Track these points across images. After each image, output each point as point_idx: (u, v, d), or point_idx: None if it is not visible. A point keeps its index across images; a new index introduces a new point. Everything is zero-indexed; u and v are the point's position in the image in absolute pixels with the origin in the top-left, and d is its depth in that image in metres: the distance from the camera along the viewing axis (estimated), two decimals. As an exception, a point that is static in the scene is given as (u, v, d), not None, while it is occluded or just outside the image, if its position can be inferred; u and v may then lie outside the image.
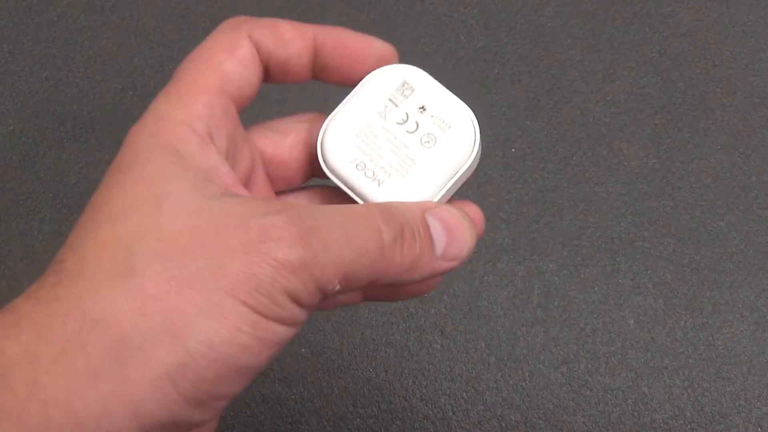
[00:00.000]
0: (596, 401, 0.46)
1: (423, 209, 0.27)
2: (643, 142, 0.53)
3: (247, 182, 0.29)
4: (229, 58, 0.27)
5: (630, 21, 0.57)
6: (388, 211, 0.26)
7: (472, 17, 0.58)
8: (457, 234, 0.27)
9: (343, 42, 0.29)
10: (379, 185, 0.28)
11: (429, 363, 0.47)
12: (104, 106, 0.55)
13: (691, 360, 0.46)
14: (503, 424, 0.45)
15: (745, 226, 0.50)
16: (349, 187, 0.28)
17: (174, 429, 0.22)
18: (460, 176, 0.29)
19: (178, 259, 0.23)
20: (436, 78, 0.30)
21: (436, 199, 0.28)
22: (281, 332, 0.23)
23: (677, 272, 0.49)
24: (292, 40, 0.28)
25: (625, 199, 0.51)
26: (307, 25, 0.29)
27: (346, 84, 0.30)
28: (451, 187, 0.28)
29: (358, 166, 0.28)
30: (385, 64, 0.29)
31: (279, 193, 0.31)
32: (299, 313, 0.24)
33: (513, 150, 0.52)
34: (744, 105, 0.54)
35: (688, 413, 0.45)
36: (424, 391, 0.46)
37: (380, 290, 0.31)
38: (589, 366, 0.46)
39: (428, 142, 0.29)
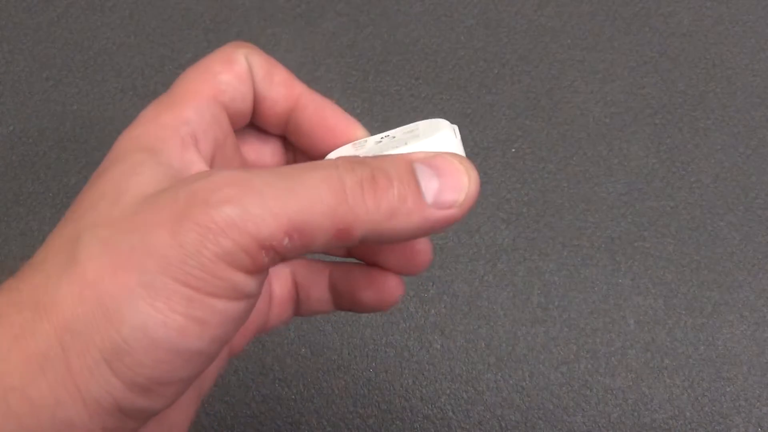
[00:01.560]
0: (596, 401, 0.46)
1: (410, 158, 0.24)
2: (643, 142, 0.53)
3: None
4: (225, 70, 0.27)
5: (630, 21, 0.57)
6: (358, 160, 0.24)
7: (472, 17, 0.58)
8: (451, 177, 0.24)
9: (323, 112, 0.28)
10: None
11: (429, 363, 0.47)
12: (104, 106, 0.55)
13: (691, 360, 0.46)
14: (503, 424, 0.45)
15: (745, 226, 0.50)
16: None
17: (125, 416, 0.22)
18: (458, 146, 0.28)
19: (116, 242, 0.22)
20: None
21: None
22: (224, 308, 0.22)
23: (677, 272, 0.49)
24: (279, 83, 0.28)
25: (625, 199, 0.51)
26: (299, 82, 0.28)
27: (310, 155, 0.29)
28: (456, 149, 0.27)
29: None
30: (353, 139, 0.29)
31: None
32: (244, 282, 0.22)
33: (513, 150, 0.52)
34: (744, 105, 0.54)
35: (688, 413, 0.45)
36: (424, 391, 0.46)
37: (346, 299, 0.30)
38: (589, 366, 0.46)
39: (412, 139, 0.27)
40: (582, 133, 0.53)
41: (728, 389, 0.46)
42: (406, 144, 0.26)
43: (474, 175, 0.25)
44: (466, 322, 0.47)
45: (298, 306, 0.31)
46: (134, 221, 0.22)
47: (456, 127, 0.27)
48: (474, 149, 0.52)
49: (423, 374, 0.46)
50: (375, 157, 0.24)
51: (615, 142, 0.53)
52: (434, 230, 0.24)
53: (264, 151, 0.30)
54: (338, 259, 0.30)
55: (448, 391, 0.46)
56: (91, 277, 0.22)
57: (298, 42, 0.57)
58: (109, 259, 0.22)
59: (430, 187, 0.24)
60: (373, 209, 0.23)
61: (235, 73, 0.27)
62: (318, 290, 0.30)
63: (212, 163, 0.27)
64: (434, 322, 0.47)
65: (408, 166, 0.24)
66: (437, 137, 0.26)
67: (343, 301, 0.30)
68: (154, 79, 0.56)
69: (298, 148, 0.29)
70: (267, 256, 0.22)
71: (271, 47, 0.57)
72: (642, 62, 0.56)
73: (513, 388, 0.46)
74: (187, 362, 0.22)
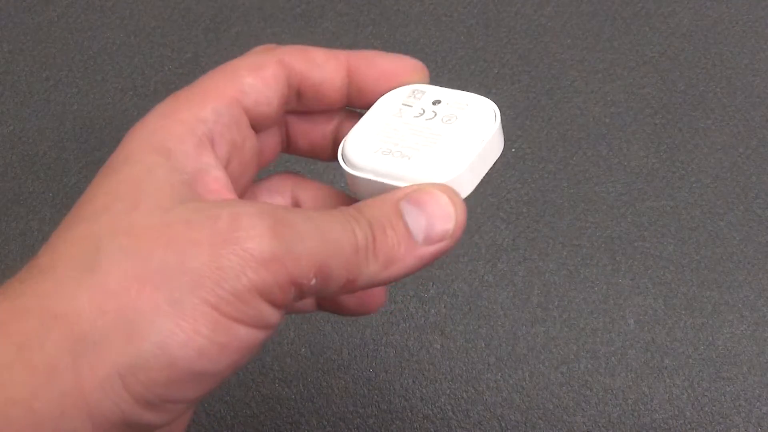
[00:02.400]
0: (596, 401, 0.46)
1: (396, 199, 0.25)
2: (643, 142, 0.53)
3: (244, 195, 0.29)
4: (250, 74, 0.27)
5: (630, 21, 0.57)
6: (357, 209, 0.25)
7: (472, 17, 0.58)
8: (436, 212, 0.25)
9: (375, 62, 0.29)
10: (409, 160, 0.27)
11: (429, 363, 0.47)
12: (104, 106, 0.55)
13: (691, 360, 0.46)
14: (503, 424, 0.45)
15: (745, 226, 0.50)
16: (379, 176, 0.27)
17: (129, 429, 0.22)
18: (486, 146, 0.28)
19: (144, 254, 0.22)
20: (436, 81, 0.30)
21: (465, 167, 0.27)
22: (246, 336, 0.22)
23: (677, 272, 0.49)
24: (324, 62, 0.28)
25: (625, 199, 0.51)
26: (338, 51, 0.28)
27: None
28: (480, 154, 0.27)
29: (384, 153, 0.27)
30: (418, 81, 0.29)
31: None
32: (270, 314, 0.22)
33: (513, 150, 0.53)
34: (744, 105, 0.54)
35: (688, 413, 0.45)
36: (424, 391, 0.46)
37: (328, 301, 0.30)
38: (589, 366, 0.46)
39: (449, 120, 0.28)
40: (582, 132, 0.53)
41: (728, 389, 0.46)
42: (440, 135, 0.27)
43: (459, 202, 0.25)
44: (466, 322, 0.47)
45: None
46: (165, 234, 0.22)
47: (498, 114, 0.28)
48: (474, 149, 0.52)
49: (423, 374, 0.46)
50: (370, 203, 0.25)
51: (615, 142, 0.53)
52: (429, 264, 0.25)
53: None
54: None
55: (448, 391, 0.46)
56: (113, 289, 0.21)
57: (298, 42, 0.57)
58: (136, 271, 0.22)
59: (418, 226, 0.25)
60: (373, 261, 0.24)
61: (261, 77, 0.27)
62: None
63: (228, 166, 0.26)
64: (434, 322, 0.47)
65: (396, 208, 0.25)
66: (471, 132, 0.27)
67: (326, 304, 0.30)
68: (154, 79, 0.56)
69: (367, 107, 0.29)
70: (294, 292, 0.22)
71: (271, 47, 0.57)
72: (642, 62, 0.56)
73: (513, 388, 0.46)
74: (199, 383, 0.22)
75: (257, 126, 0.28)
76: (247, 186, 0.29)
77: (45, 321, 0.21)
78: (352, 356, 0.47)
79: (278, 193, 0.30)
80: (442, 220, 0.25)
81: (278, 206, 0.24)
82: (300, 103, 0.29)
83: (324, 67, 0.28)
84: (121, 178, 0.24)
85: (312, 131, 0.30)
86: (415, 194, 0.25)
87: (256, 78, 0.27)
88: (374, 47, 0.57)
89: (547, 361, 0.46)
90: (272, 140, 0.30)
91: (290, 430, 0.45)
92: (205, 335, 0.21)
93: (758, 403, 0.45)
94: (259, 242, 0.22)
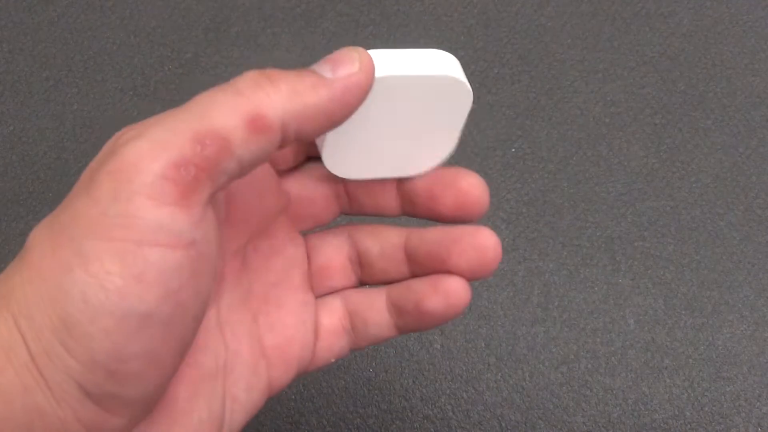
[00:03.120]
0: (596, 401, 0.46)
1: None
2: (643, 142, 0.53)
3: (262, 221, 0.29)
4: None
5: (630, 21, 0.57)
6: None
7: (472, 17, 0.58)
8: (339, 55, 0.24)
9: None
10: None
11: (429, 363, 0.47)
12: (104, 106, 0.55)
13: (691, 360, 0.46)
14: (503, 424, 0.45)
15: (745, 226, 0.50)
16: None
17: (97, 404, 0.21)
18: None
19: (53, 222, 0.22)
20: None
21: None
22: (159, 258, 0.20)
23: (677, 272, 0.49)
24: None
25: (625, 199, 0.51)
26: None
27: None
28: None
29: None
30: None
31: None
32: (171, 220, 0.21)
33: (513, 150, 0.52)
34: (744, 105, 0.54)
35: (688, 413, 0.45)
36: (424, 391, 0.46)
37: (410, 314, 0.29)
38: (589, 366, 0.46)
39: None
40: (582, 132, 0.53)
41: (728, 389, 0.46)
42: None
43: (360, 49, 0.25)
44: (466, 322, 0.47)
45: (355, 337, 0.30)
46: (66, 199, 0.22)
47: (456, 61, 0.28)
48: (474, 149, 0.52)
49: (423, 374, 0.46)
50: None
51: (615, 142, 0.53)
52: (348, 101, 0.24)
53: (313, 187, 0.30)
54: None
55: (448, 391, 0.46)
56: (36, 260, 0.21)
57: (298, 42, 0.57)
58: (49, 239, 0.21)
59: (324, 68, 0.24)
60: (273, 92, 0.22)
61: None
62: (376, 313, 0.29)
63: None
64: (434, 322, 0.47)
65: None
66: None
67: (407, 318, 0.29)
68: (154, 79, 0.56)
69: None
70: (188, 173, 0.21)
71: (271, 47, 0.57)
72: (642, 62, 0.56)
73: (513, 388, 0.46)
74: (138, 329, 0.20)
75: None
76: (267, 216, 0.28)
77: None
78: (352, 356, 0.47)
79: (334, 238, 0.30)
80: (347, 60, 0.24)
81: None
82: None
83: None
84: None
85: (374, 188, 0.30)
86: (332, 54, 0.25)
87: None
88: (374, 47, 0.57)
89: (547, 361, 0.46)
90: (323, 192, 0.30)
91: (290, 430, 0.45)
92: (116, 273, 0.20)
93: (758, 403, 0.45)
94: (121, 152, 0.21)
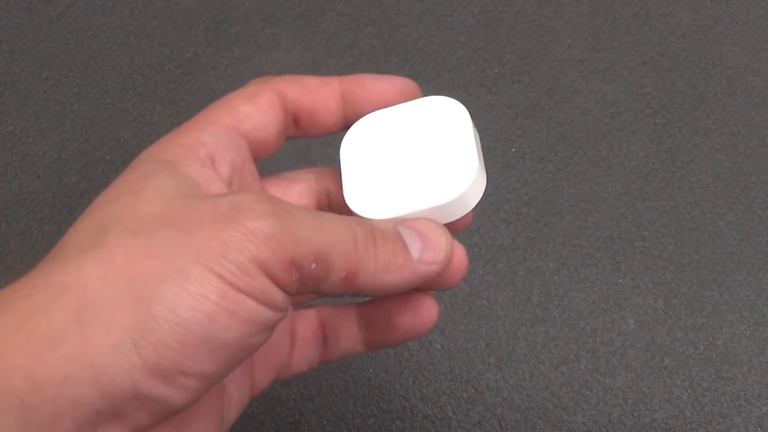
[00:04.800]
0: (596, 401, 0.46)
1: (394, 222, 0.27)
2: (644, 141, 0.53)
3: None
4: (245, 103, 0.28)
5: (630, 21, 0.57)
6: (359, 218, 0.27)
7: (472, 17, 0.58)
8: (430, 238, 0.27)
9: (366, 84, 0.30)
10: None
11: (429, 363, 0.47)
12: (104, 106, 0.55)
13: (691, 360, 0.46)
14: (503, 424, 0.45)
15: (745, 226, 0.50)
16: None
17: (140, 404, 0.22)
18: (475, 141, 0.29)
19: (147, 233, 0.22)
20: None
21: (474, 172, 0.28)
22: (254, 310, 0.23)
23: (677, 272, 0.49)
24: (317, 88, 0.29)
25: (625, 199, 0.51)
26: (331, 77, 0.30)
27: None
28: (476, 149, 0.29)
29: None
30: (410, 100, 0.30)
31: None
32: (274, 292, 0.23)
33: (513, 150, 0.53)
34: (744, 105, 0.54)
35: (688, 413, 0.45)
36: (424, 390, 0.46)
37: (380, 330, 0.31)
38: (589, 366, 0.46)
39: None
40: (582, 132, 0.53)
41: (728, 389, 0.46)
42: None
43: (448, 236, 0.28)
44: (466, 322, 0.47)
45: (326, 349, 0.32)
46: (168, 217, 0.23)
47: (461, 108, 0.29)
48: (474, 149, 0.52)
49: (423, 374, 0.46)
50: (371, 219, 0.27)
51: (615, 142, 0.53)
52: (419, 283, 0.27)
53: (292, 190, 0.31)
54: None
55: (448, 391, 0.46)
56: (120, 261, 0.22)
57: (298, 42, 0.57)
58: (141, 245, 0.22)
59: (414, 246, 0.27)
60: (374, 261, 0.26)
61: (257, 104, 0.28)
62: (347, 329, 0.31)
63: (230, 186, 0.27)
64: (434, 322, 0.47)
65: (394, 227, 0.27)
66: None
67: (377, 334, 0.31)
68: (154, 79, 0.56)
69: None
70: (296, 275, 0.23)
71: (271, 47, 0.57)
72: (642, 62, 0.56)
73: (513, 388, 0.46)
74: (210, 354, 0.22)
75: (258, 152, 0.29)
76: None
77: (49, 293, 0.22)
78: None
79: None
80: (435, 247, 0.27)
81: (280, 199, 0.24)
82: (298, 129, 0.30)
83: (317, 93, 0.29)
84: (126, 179, 0.25)
85: (319, 104, 0.31)
86: (413, 222, 0.28)
87: (252, 106, 0.28)
88: (374, 47, 0.57)
89: (547, 361, 0.46)
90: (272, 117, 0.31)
91: (290, 430, 0.45)
92: (213, 301, 0.22)
93: (758, 403, 0.45)
94: (260, 222, 0.23)
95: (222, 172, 0.27)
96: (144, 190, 0.24)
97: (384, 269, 0.26)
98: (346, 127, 0.30)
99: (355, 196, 0.29)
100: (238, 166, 0.28)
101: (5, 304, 0.22)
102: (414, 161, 0.29)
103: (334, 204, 0.32)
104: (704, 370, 0.46)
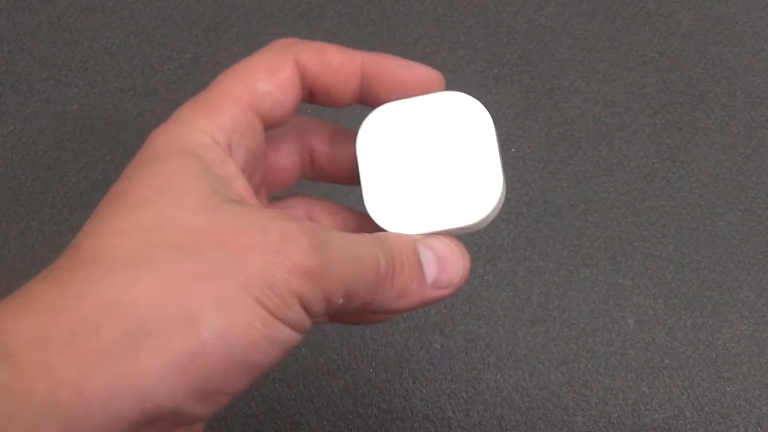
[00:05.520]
0: (596, 401, 0.46)
1: (414, 239, 0.28)
2: (644, 142, 0.53)
3: (256, 194, 0.29)
4: (266, 78, 0.27)
5: (630, 21, 0.57)
6: (380, 240, 0.27)
7: (472, 17, 0.58)
8: (448, 262, 0.28)
9: (392, 70, 0.29)
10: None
11: (429, 363, 0.47)
12: (104, 106, 0.55)
13: (691, 360, 0.46)
14: (503, 424, 0.45)
15: (745, 226, 0.50)
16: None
17: (173, 420, 0.22)
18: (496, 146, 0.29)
19: (197, 252, 0.23)
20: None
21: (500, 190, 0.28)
22: (288, 335, 0.24)
23: (677, 272, 0.49)
24: (340, 66, 0.29)
25: (625, 199, 0.51)
26: (355, 52, 0.29)
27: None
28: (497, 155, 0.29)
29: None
30: (432, 91, 0.30)
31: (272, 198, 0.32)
32: (305, 321, 0.24)
33: (513, 150, 0.52)
34: (744, 105, 0.54)
35: (688, 413, 0.45)
36: (424, 391, 0.46)
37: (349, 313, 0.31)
38: (589, 366, 0.46)
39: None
40: (582, 133, 0.53)
41: (728, 389, 0.46)
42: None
43: (467, 259, 0.28)
44: (466, 322, 0.47)
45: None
46: (216, 236, 0.23)
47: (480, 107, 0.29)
48: (474, 149, 0.52)
49: (423, 374, 0.46)
50: (392, 237, 0.27)
51: (615, 142, 0.53)
52: (427, 305, 0.28)
53: (280, 151, 0.31)
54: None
55: (448, 391, 0.46)
56: (170, 281, 0.22)
57: (298, 42, 0.57)
58: (190, 266, 0.23)
59: (430, 270, 0.27)
60: (389, 290, 0.26)
61: (277, 81, 0.28)
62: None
63: (244, 171, 0.27)
64: (434, 322, 0.47)
65: (414, 248, 0.27)
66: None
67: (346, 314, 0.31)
68: (154, 79, 0.56)
69: (375, 107, 0.30)
70: (324, 306, 0.25)
71: (271, 47, 0.57)
72: (642, 62, 0.56)
73: (513, 388, 0.46)
74: (248, 374, 0.23)
75: (268, 127, 0.29)
76: (257, 185, 0.29)
77: (100, 307, 0.22)
78: (352, 356, 0.47)
79: (294, 211, 0.32)
80: (452, 271, 0.28)
81: (319, 226, 0.25)
82: (311, 99, 0.30)
83: (340, 71, 0.29)
84: (157, 172, 0.25)
85: (338, 156, 0.31)
86: (434, 242, 0.28)
87: (271, 83, 0.27)
88: (374, 47, 0.56)
89: (547, 361, 0.46)
90: (292, 160, 0.31)
91: (290, 430, 0.45)
92: (258, 330, 0.23)
93: (758, 403, 0.45)
94: (305, 258, 0.23)
95: (238, 160, 0.27)
96: (184, 195, 0.24)
97: (398, 296, 0.27)
98: (360, 102, 0.30)
99: (376, 207, 0.29)
100: (252, 151, 0.28)
101: (52, 310, 0.22)
102: (436, 171, 0.28)
103: (318, 165, 0.31)
104: (704, 370, 0.46)
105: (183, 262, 0.23)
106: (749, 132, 0.53)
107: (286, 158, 0.31)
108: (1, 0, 0.59)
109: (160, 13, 0.58)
